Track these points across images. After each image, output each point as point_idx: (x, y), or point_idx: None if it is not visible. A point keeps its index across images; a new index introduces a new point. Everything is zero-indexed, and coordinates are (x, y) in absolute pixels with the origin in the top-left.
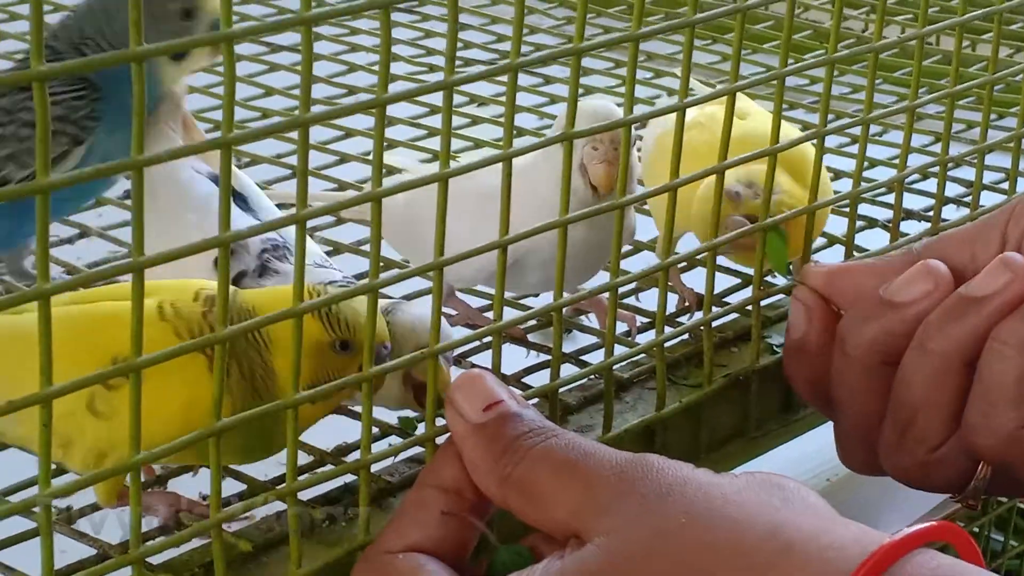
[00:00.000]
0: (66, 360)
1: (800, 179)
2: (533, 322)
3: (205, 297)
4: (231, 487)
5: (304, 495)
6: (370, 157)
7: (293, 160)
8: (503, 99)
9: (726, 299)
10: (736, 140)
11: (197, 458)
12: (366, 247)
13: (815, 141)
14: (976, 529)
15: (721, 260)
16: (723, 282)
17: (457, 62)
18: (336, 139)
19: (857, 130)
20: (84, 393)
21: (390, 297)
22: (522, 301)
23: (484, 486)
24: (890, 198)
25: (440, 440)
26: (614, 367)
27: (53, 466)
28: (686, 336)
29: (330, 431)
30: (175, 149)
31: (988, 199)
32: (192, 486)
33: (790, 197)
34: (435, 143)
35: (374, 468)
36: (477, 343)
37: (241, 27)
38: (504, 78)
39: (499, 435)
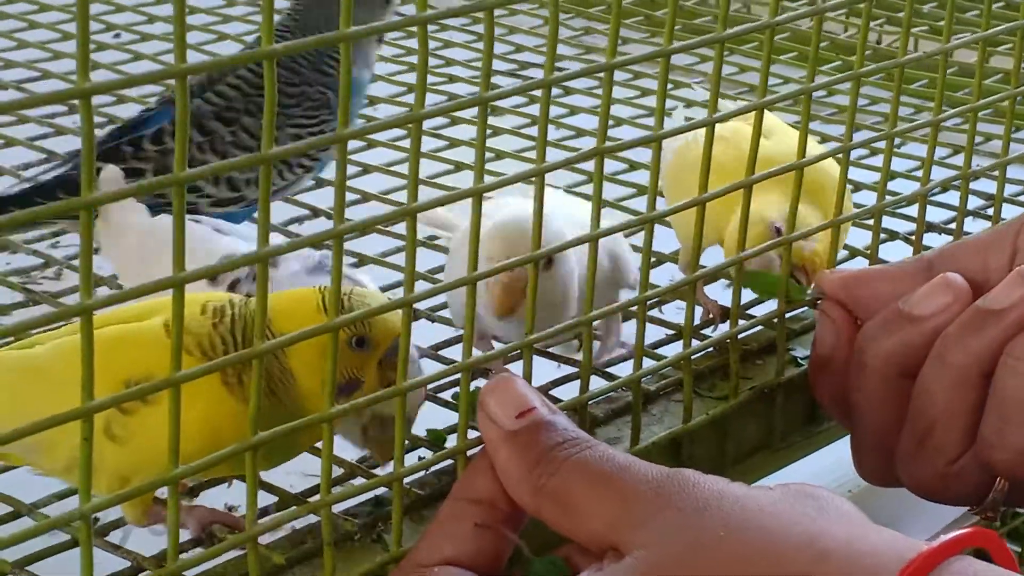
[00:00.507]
0: (77, 388)
1: (823, 195)
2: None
3: (213, 309)
4: (263, 499)
5: (336, 507)
6: (393, 168)
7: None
8: (521, 110)
9: (751, 311)
10: (763, 159)
11: (227, 471)
12: (390, 258)
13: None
14: None
15: None
16: (748, 294)
17: (475, 73)
18: (359, 150)
19: (878, 143)
20: (100, 419)
21: (421, 312)
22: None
23: (517, 495)
24: (911, 210)
25: (471, 453)
26: (641, 380)
27: None
28: (711, 348)
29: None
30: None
31: (1009, 211)
32: (217, 498)
33: (822, 247)
34: (456, 154)
35: (405, 481)
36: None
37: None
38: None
39: (533, 444)
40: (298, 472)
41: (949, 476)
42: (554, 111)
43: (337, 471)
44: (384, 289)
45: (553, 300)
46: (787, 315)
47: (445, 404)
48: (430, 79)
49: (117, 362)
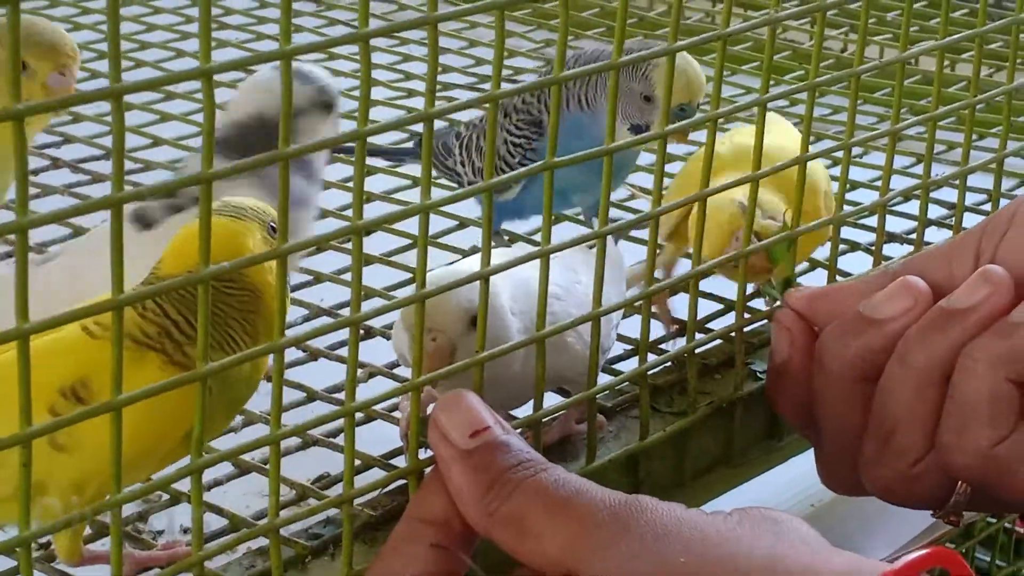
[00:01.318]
0: (13, 403)
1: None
2: None
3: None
4: (213, 521)
5: (286, 529)
6: (350, 184)
7: None
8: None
9: (708, 325)
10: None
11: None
12: (345, 276)
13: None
14: (963, 550)
15: (704, 286)
16: (706, 308)
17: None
18: None
19: (839, 152)
20: None
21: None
22: None
23: (471, 517)
24: (871, 220)
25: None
26: (597, 396)
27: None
28: (668, 363)
29: (312, 461)
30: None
31: (971, 221)
32: (173, 521)
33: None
34: (412, 168)
35: (357, 502)
36: None
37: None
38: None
39: (487, 465)
40: (255, 492)
41: (912, 478)
42: None
43: (289, 493)
44: (338, 307)
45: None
46: (745, 329)
47: (397, 422)
48: (388, 93)
49: (47, 372)
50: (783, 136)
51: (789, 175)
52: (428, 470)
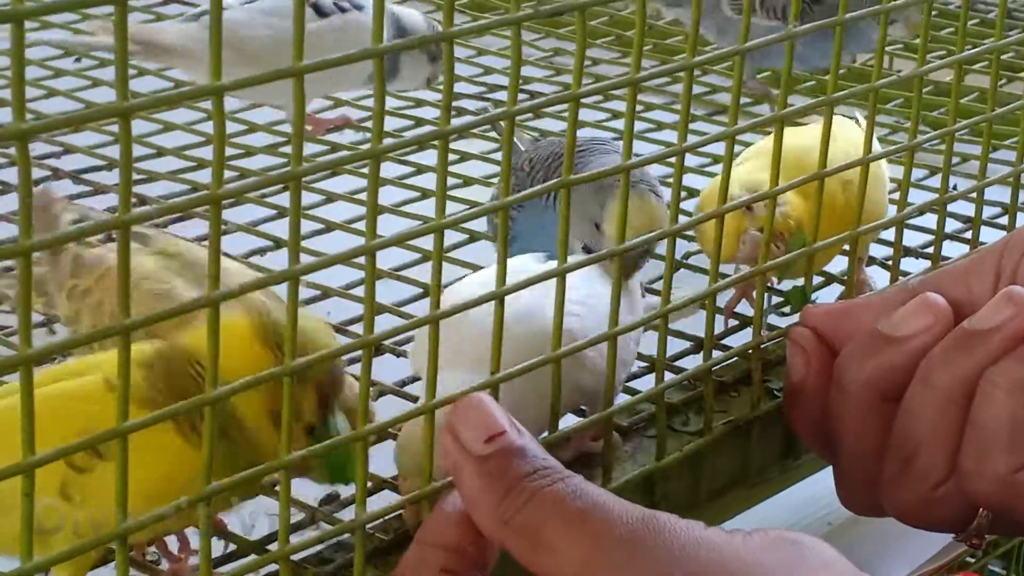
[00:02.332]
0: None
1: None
2: None
3: (143, 361)
4: (220, 545)
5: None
6: (358, 196)
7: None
8: (490, 134)
9: (724, 341)
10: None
11: (185, 521)
12: (354, 291)
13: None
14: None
15: (721, 302)
16: (722, 324)
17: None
18: (324, 177)
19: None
20: (55, 481)
21: (387, 347)
22: None
23: (483, 525)
24: (887, 235)
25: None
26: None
27: None
28: (685, 382)
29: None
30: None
31: (987, 235)
32: (175, 544)
33: (793, 209)
34: (424, 181)
35: (368, 526)
36: None
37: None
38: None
39: (503, 472)
40: (262, 511)
41: (933, 501)
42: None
43: (299, 515)
44: (348, 323)
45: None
46: (762, 346)
47: None
48: (395, 103)
49: (60, 421)
50: (810, 136)
51: (793, 159)
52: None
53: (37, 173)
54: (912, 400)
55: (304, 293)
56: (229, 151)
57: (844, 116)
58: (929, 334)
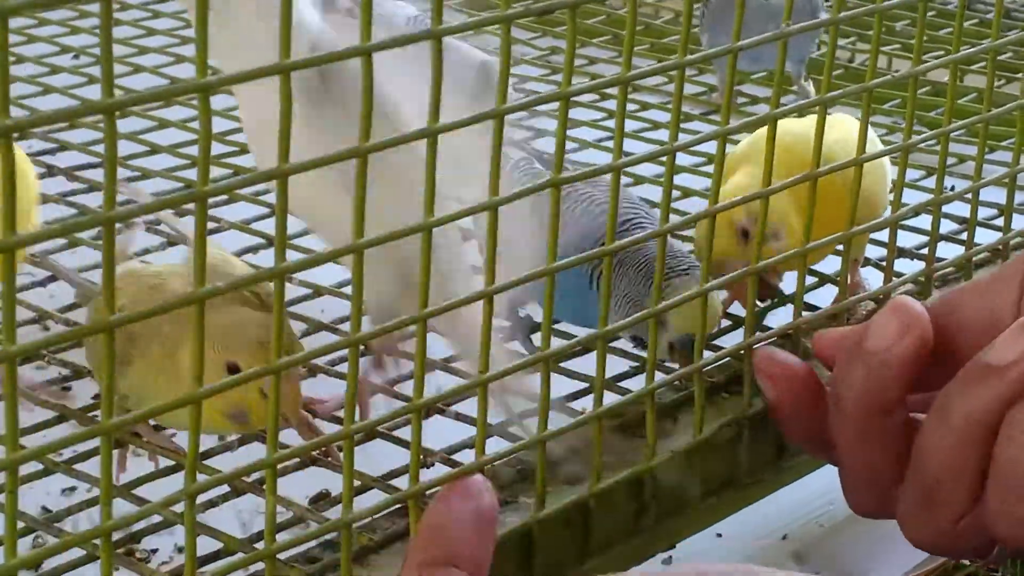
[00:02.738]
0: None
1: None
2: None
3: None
4: (207, 543)
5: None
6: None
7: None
8: None
9: (715, 341)
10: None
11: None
12: (345, 288)
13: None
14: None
15: None
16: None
17: None
18: None
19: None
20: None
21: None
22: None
23: None
24: (881, 235)
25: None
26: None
27: None
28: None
29: (309, 478)
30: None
31: (983, 236)
32: (168, 540)
33: (792, 238)
34: None
35: (355, 525)
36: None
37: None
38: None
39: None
40: (250, 509)
41: (955, 535)
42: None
43: (286, 514)
44: (339, 321)
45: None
46: (755, 347)
47: (397, 442)
48: None
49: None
50: (806, 126)
51: (803, 165)
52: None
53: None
54: (928, 434)
55: (295, 291)
56: (222, 148)
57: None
58: (904, 344)
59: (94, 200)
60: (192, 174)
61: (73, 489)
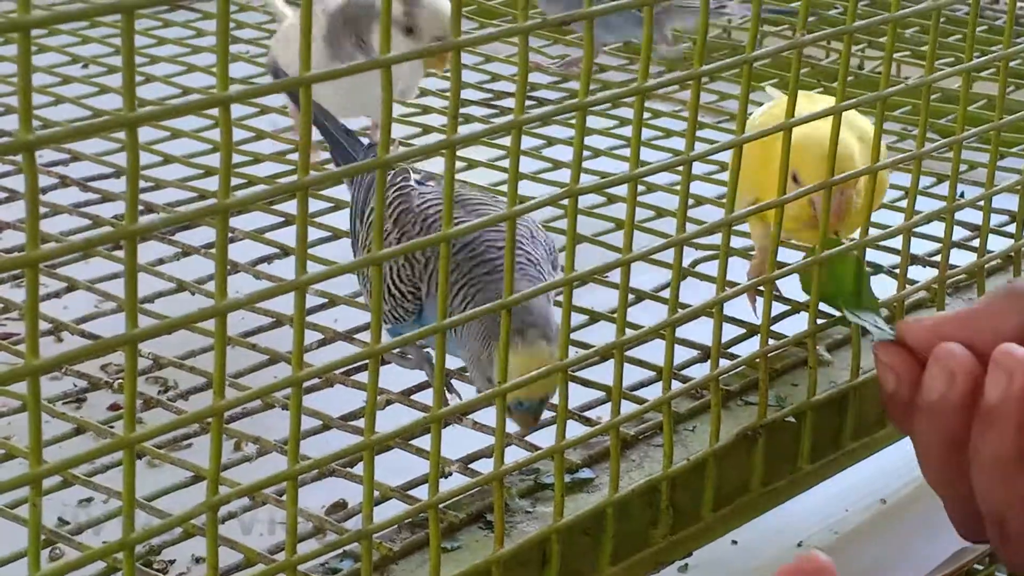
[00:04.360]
0: None
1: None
2: None
3: None
4: (227, 555)
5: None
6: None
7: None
8: (496, 141)
9: (731, 350)
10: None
11: None
12: (360, 298)
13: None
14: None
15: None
16: (729, 332)
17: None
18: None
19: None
20: None
21: None
22: None
23: None
24: (893, 242)
25: (442, 506)
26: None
27: None
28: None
29: (328, 488)
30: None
31: (994, 243)
32: (185, 551)
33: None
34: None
35: (375, 536)
36: None
37: None
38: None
39: None
40: (269, 520)
41: None
42: (529, 143)
43: (306, 525)
44: (355, 331)
45: None
46: (770, 355)
47: (417, 452)
48: (403, 110)
49: None
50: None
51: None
52: (446, 503)
53: (45, 180)
54: (974, 474)
55: (311, 300)
56: (236, 158)
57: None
58: (953, 392)
59: (107, 211)
60: (206, 184)
61: (90, 500)
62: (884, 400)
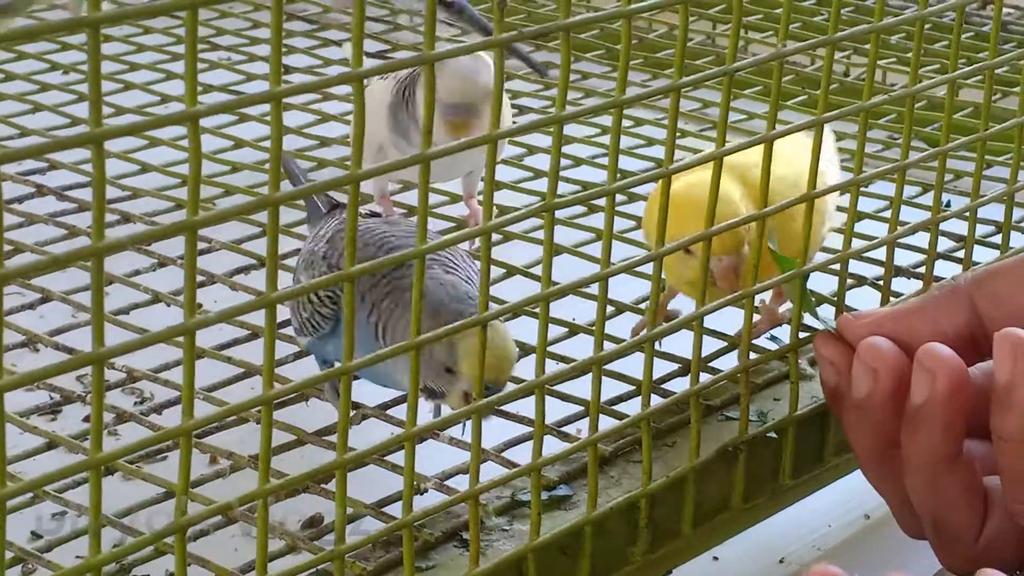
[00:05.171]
0: None
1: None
2: None
3: None
4: (198, 573)
5: None
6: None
7: None
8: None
9: (712, 364)
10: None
11: None
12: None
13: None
14: None
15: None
16: (709, 345)
17: None
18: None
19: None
20: None
21: None
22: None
23: None
24: (876, 254)
25: (417, 524)
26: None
27: None
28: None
29: (302, 503)
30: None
31: (980, 254)
32: (159, 566)
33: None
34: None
35: (347, 556)
36: None
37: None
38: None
39: None
40: (242, 535)
41: (979, 554)
42: (515, 151)
43: (279, 543)
44: None
45: None
46: (751, 369)
47: (393, 468)
48: None
49: None
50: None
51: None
52: (421, 521)
53: (21, 190)
54: (907, 477)
55: (284, 314)
56: (215, 167)
57: None
58: (878, 391)
59: (84, 220)
60: (183, 194)
61: (64, 513)
62: (826, 395)
